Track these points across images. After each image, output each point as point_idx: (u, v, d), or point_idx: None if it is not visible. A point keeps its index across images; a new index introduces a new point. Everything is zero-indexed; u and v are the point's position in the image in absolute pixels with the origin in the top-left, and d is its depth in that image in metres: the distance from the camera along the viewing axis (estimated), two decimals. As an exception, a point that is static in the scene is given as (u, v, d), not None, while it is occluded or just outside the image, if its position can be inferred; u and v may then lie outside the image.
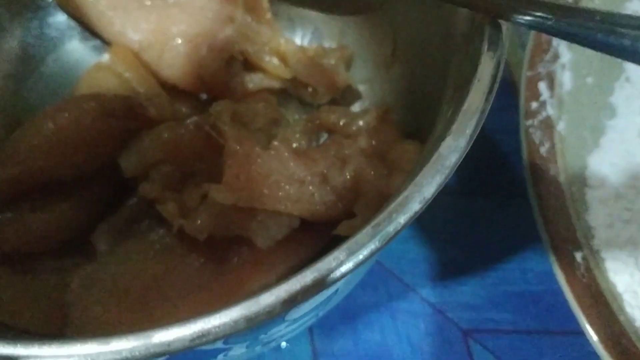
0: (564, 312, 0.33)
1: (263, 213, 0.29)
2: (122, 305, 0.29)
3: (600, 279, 0.31)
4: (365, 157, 0.30)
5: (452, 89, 0.27)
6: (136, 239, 0.31)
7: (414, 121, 0.33)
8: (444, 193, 0.38)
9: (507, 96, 0.42)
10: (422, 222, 0.38)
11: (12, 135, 0.30)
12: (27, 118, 0.32)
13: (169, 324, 0.18)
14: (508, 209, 0.39)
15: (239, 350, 0.25)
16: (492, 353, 0.34)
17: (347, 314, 0.35)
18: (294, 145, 0.32)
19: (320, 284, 0.19)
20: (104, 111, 0.30)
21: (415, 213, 0.20)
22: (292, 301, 0.19)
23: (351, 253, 0.19)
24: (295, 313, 0.24)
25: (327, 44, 0.39)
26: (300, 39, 0.39)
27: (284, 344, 0.33)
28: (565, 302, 0.31)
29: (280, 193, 0.28)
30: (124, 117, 0.31)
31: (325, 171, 0.29)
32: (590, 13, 0.21)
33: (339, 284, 0.25)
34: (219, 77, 0.34)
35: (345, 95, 0.38)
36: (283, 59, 0.36)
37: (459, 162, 0.21)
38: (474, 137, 0.21)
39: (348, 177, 0.29)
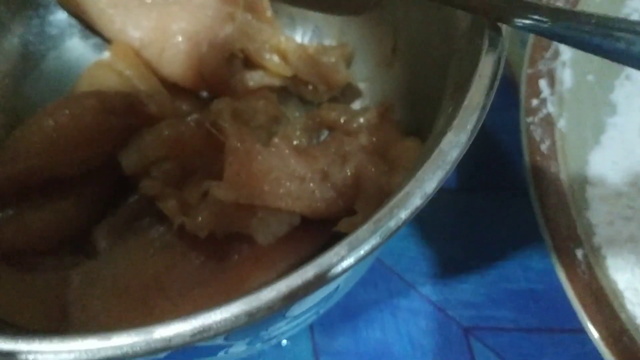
0: (565, 310, 0.33)
1: (264, 210, 0.29)
2: (123, 303, 0.29)
3: (601, 276, 0.31)
4: (365, 154, 0.30)
5: (453, 86, 0.27)
6: (137, 237, 0.31)
7: (415, 119, 0.33)
8: (445, 191, 0.39)
9: (508, 94, 0.42)
10: (423, 220, 0.38)
11: (12, 133, 0.30)
12: (28, 116, 0.32)
13: (169, 319, 0.18)
14: (509, 206, 0.39)
15: (239, 347, 0.25)
16: (492, 351, 0.34)
17: (347, 312, 0.35)
18: (295, 142, 0.32)
19: (321, 279, 0.19)
20: (104, 108, 0.30)
21: (417, 208, 0.20)
22: (293, 296, 0.19)
23: (352, 248, 0.19)
24: (296, 310, 0.24)
25: (328, 41, 0.39)
26: (300, 36, 0.39)
27: (284, 341, 0.33)
28: (566, 300, 0.31)
29: (281, 190, 0.28)
30: (124, 114, 0.31)
31: (325, 168, 0.29)
32: (586, 16, 0.21)
33: (339, 280, 0.25)
34: (220, 75, 0.34)
35: (345, 93, 0.38)
36: (283, 56, 0.36)
37: (460, 158, 0.21)
38: (475, 133, 0.21)
39: (349, 174, 0.29)
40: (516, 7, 0.23)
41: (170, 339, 0.18)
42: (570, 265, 0.31)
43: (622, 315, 0.30)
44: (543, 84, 0.36)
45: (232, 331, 0.18)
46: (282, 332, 0.27)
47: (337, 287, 0.26)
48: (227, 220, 0.29)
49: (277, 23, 0.37)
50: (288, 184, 0.29)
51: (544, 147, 0.34)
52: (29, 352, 0.18)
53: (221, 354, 0.25)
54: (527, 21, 0.22)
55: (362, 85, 0.38)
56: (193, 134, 0.31)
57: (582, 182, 0.34)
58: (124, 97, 0.31)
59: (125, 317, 0.28)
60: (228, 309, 0.18)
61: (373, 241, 0.19)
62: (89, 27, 0.38)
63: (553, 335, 0.35)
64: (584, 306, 0.30)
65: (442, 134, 0.21)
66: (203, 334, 0.18)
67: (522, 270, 0.36)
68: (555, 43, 0.37)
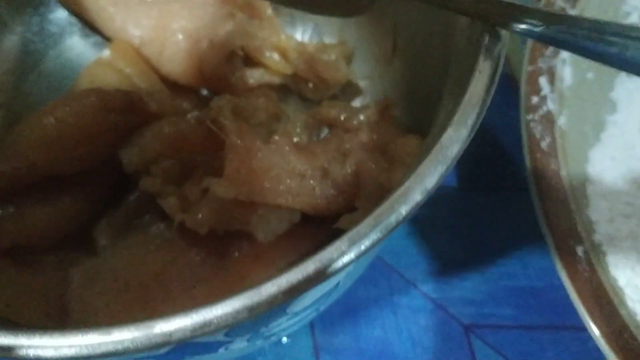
0: (565, 307, 0.33)
1: (264, 207, 0.29)
2: (123, 299, 0.29)
3: (601, 273, 0.31)
4: (366, 151, 0.30)
5: (453, 82, 0.27)
6: (137, 234, 0.31)
7: (415, 116, 0.33)
8: (445, 189, 0.39)
9: (508, 92, 0.42)
10: (423, 218, 0.38)
11: (12, 131, 0.30)
12: (28, 114, 0.32)
13: (170, 314, 0.18)
14: (509, 204, 0.39)
15: (240, 343, 0.25)
16: (493, 348, 0.34)
17: (348, 309, 0.35)
18: (295, 139, 0.32)
19: (322, 274, 0.19)
20: (104, 106, 0.30)
21: (417, 204, 0.20)
22: (294, 291, 0.19)
23: (353, 243, 0.19)
24: (296, 306, 0.24)
25: (328, 39, 0.39)
26: (300, 34, 0.39)
27: (285, 339, 0.33)
28: (566, 297, 0.31)
29: (281, 187, 0.28)
30: (124, 111, 0.31)
31: (326, 165, 0.29)
32: (578, 21, 0.21)
33: (340, 276, 0.25)
34: (220, 73, 0.34)
35: (345, 91, 0.38)
36: (284, 54, 0.36)
37: (461, 153, 0.21)
38: (476, 128, 0.21)
39: (349, 171, 0.29)
40: (511, 11, 0.23)
41: (171, 334, 0.18)
42: (570, 262, 0.31)
43: (623, 312, 0.30)
44: (543, 81, 0.36)
45: (233, 326, 0.18)
46: (283, 328, 0.27)
47: (338, 283, 0.26)
48: (227, 217, 0.29)
49: (276, 21, 0.37)
50: (288, 181, 0.29)
51: (544, 144, 0.34)
52: (29, 347, 0.18)
53: (221, 350, 0.25)
54: (523, 25, 0.22)
55: (362, 83, 0.38)
56: (193, 132, 0.31)
57: (583, 179, 0.34)
58: (124, 95, 0.31)
59: (125, 314, 0.28)
60: (229, 303, 0.18)
61: (374, 236, 0.19)
62: (89, 25, 0.38)
63: (553, 332, 0.34)
64: (585, 303, 0.30)
65: (443, 129, 0.21)
66: (204, 328, 0.18)
67: (523, 268, 0.36)
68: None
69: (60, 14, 0.38)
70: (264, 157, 0.29)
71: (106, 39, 0.37)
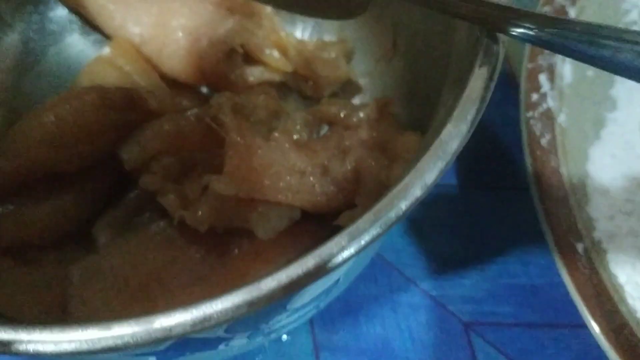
0: (565, 305, 0.33)
1: (264, 204, 0.29)
2: (123, 297, 0.29)
3: (601, 270, 0.31)
4: (365, 149, 0.30)
5: (453, 79, 0.27)
6: (137, 232, 0.31)
7: (415, 113, 0.33)
8: (445, 187, 0.39)
9: (507, 90, 0.42)
10: (423, 216, 0.38)
11: (12, 128, 0.30)
12: (28, 112, 0.32)
13: (170, 309, 0.18)
14: (509, 202, 0.39)
15: (240, 340, 0.25)
16: (493, 346, 0.34)
17: (348, 307, 0.35)
18: (295, 136, 0.32)
19: (321, 269, 0.19)
20: (104, 103, 0.30)
21: (417, 199, 0.20)
22: (294, 286, 0.19)
23: (353, 238, 0.19)
24: (296, 302, 0.24)
25: (328, 37, 0.39)
26: (300, 32, 0.39)
27: (285, 336, 0.33)
28: (566, 295, 0.31)
29: (281, 184, 0.28)
30: (124, 109, 0.31)
31: (326, 162, 0.29)
32: (571, 24, 0.21)
33: (340, 272, 0.25)
34: (220, 70, 0.34)
35: (345, 89, 0.38)
36: (283, 52, 0.36)
37: (461, 149, 0.21)
38: (475, 124, 0.21)
39: (349, 168, 0.29)
40: (505, 15, 0.23)
41: (171, 329, 0.18)
42: (570, 259, 0.31)
43: (623, 309, 0.30)
44: (543, 78, 0.36)
45: (232, 321, 0.18)
46: (283, 325, 0.27)
47: (338, 280, 0.26)
48: (227, 214, 0.29)
49: (276, 19, 0.37)
50: (288, 178, 0.29)
51: (544, 141, 0.34)
52: (29, 342, 0.18)
53: (221, 347, 0.25)
54: (519, 30, 0.22)
55: (362, 81, 0.38)
56: (193, 129, 0.31)
57: (583, 176, 0.34)
58: (124, 93, 0.31)
59: (125, 311, 0.28)
60: (229, 298, 0.18)
61: (373, 231, 0.19)
62: (89, 23, 0.38)
63: (554, 330, 0.34)
64: (585, 300, 0.30)
65: (442, 125, 0.21)
66: (204, 323, 0.18)
67: (523, 266, 0.36)
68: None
69: (60, 12, 0.38)
70: (264, 154, 0.29)
71: (106, 36, 0.37)
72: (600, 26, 0.20)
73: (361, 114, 0.32)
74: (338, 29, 0.39)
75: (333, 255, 0.19)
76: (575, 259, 0.31)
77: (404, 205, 0.20)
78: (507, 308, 0.35)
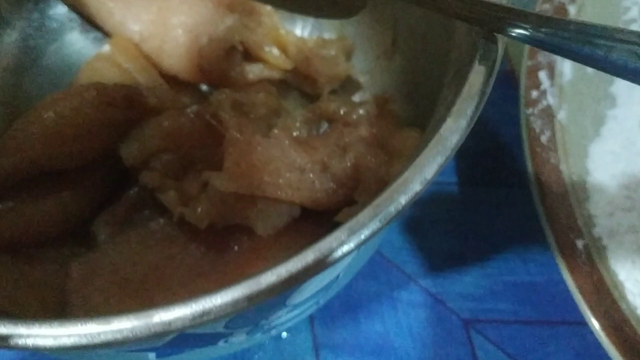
0: (566, 302, 0.33)
1: (263, 201, 0.29)
2: (122, 293, 0.28)
3: (601, 267, 0.31)
4: (365, 145, 0.30)
5: (452, 76, 0.27)
6: (137, 228, 0.31)
7: (415, 110, 0.33)
8: (445, 184, 0.39)
9: (507, 88, 0.42)
10: (423, 213, 0.38)
11: (12, 125, 0.30)
12: (28, 109, 0.32)
13: (170, 304, 0.18)
14: (509, 199, 0.39)
15: (240, 336, 0.25)
16: (493, 343, 0.34)
17: (348, 304, 0.35)
18: (295, 133, 0.32)
19: (321, 264, 0.19)
20: (104, 100, 0.30)
21: (416, 194, 0.20)
22: (293, 281, 0.19)
23: (352, 233, 0.19)
24: (296, 298, 0.24)
25: (328, 35, 0.39)
26: (300, 30, 0.39)
27: (284, 333, 0.33)
28: (566, 292, 0.31)
29: (281, 180, 0.28)
30: (124, 106, 0.31)
31: (325, 159, 0.29)
32: (565, 23, 0.21)
33: (340, 268, 0.25)
34: (219, 67, 0.34)
35: (345, 86, 0.38)
36: (283, 49, 0.36)
37: (460, 144, 0.21)
38: (475, 119, 0.21)
39: (348, 164, 0.29)
40: (500, 14, 0.23)
41: (170, 323, 0.18)
42: (570, 256, 0.31)
43: (623, 306, 0.30)
44: (543, 75, 0.36)
45: (232, 315, 0.18)
46: (282, 322, 0.27)
47: (338, 276, 0.26)
48: (227, 211, 0.29)
49: (276, 16, 0.37)
50: (288, 174, 0.29)
51: (543, 138, 0.34)
52: (28, 336, 0.17)
53: (221, 343, 0.25)
54: (517, 30, 0.22)
55: (362, 79, 0.38)
56: (193, 126, 0.31)
57: (582, 173, 0.34)
58: (123, 89, 0.31)
59: (125, 308, 0.28)
60: (228, 293, 0.18)
61: (373, 226, 0.19)
62: (88, 20, 0.38)
63: (554, 327, 0.34)
64: (585, 297, 0.30)
65: (442, 120, 0.21)
66: (203, 317, 0.18)
67: (523, 263, 0.36)
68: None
69: (60, 10, 0.38)
70: (264, 151, 0.29)
71: (106, 34, 0.37)
72: (593, 25, 0.20)
73: (361, 111, 0.32)
74: (338, 27, 0.39)
75: (333, 250, 0.19)
76: (575, 255, 0.31)
77: (403, 199, 0.20)
78: (507, 305, 0.35)
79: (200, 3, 0.35)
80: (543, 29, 0.21)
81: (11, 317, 0.26)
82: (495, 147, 0.41)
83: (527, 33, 0.22)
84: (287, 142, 0.29)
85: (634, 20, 0.38)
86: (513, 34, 0.23)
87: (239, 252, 0.30)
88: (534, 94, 0.35)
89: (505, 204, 0.38)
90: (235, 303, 0.18)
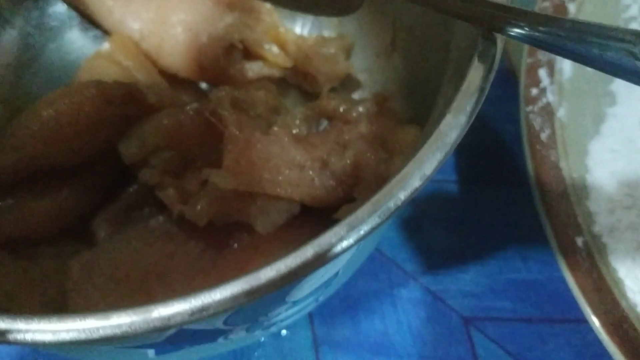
0: (565, 300, 0.33)
1: (263, 198, 0.29)
2: (122, 291, 0.28)
3: (601, 264, 0.31)
4: (365, 143, 0.30)
5: (452, 73, 0.27)
6: (136, 226, 0.31)
7: (414, 108, 0.33)
8: (445, 182, 0.39)
9: (507, 85, 0.42)
10: (423, 211, 0.38)
11: (12, 122, 0.30)
12: (27, 107, 0.32)
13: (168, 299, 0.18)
14: (509, 196, 0.39)
15: (239, 333, 0.25)
16: (493, 341, 0.34)
17: (347, 302, 0.35)
18: (294, 131, 0.32)
19: (320, 259, 0.19)
20: (103, 98, 0.30)
21: (416, 189, 0.20)
22: (293, 276, 0.19)
23: (352, 228, 0.19)
24: (295, 294, 0.24)
25: (327, 33, 0.39)
26: (300, 28, 0.39)
27: (284, 331, 0.33)
28: (566, 290, 0.31)
29: (280, 177, 0.28)
30: (123, 103, 0.31)
31: (325, 156, 0.29)
32: (560, 22, 0.21)
33: (339, 264, 0.25)
34: (219, 65, 0.34)
35: (345, 84, 0.38)
36: (283, 47, 0.36)
37: (459, 140, 0.21)
38: (474, 115, 0.21)
39: (348, 162, 0.29)
40: (498, 14, 0.23)
41: (169, 318, 0.18)
42: (570, 253, 0.31)
43: (623, 303, 0.30)
44: (542, 73, 0.36)
45: (231, 310, 0.18)
46: (282, 318, 0.27)
47: (337, 273, 0.26)
48: (227, 208, 0.29)
49: (276, 14, 0.37)
50: (287, 171, 0.29)
51: (543, 136, 0.34)
52: (27, 331, 0.17)
53: (221, 340, 0.25)
54: (514, 29, 0.22)
55: (361, 77, 0.38)
56: (192, 123, 0.31)
57: (582, 171, 0.34)
58: (123, 87, 0.31)
59: (124, 305, 0.28)
60: (227, 288, 0.18)
61: (372, 222, 0.19)
62: (88, 19, 0.38)
63: (553, 325, 0.34)
64: (585, 294, 0.30)
65: (441, 116, 0.21)
66: (202, 313, 0.18)
67: (523, 261, 0.36)
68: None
69: (60, 8, 0.38)
70: (263, 148, 0.29)
71: (105, 32, 0.37)
72: (588, 24, 0.20)
73: (360, 109, 0.32)
74: (337, 25, 0.39)
75: (332, 245, 0.19)
76: (575, 253, 0.31)
77: (402, 195, 0.20)
78: (507, 303, 0.35)
79: (200, 1, 0.35)
80: (540, 28, 0.21)
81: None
82: (495, 145, 0.41)
83: (524, 32, 0.22)
84: (286, 139, 0.29)
85: (633, 18, 0.38)
86: (511, 34, 0.23)
87: (238, 250, 0.30)
88: (534, 91, 0.35)
89: (505, 201, 0.38)
90: (234, 298, 0.18)
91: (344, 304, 0.34)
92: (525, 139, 0.34)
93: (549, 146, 0.34)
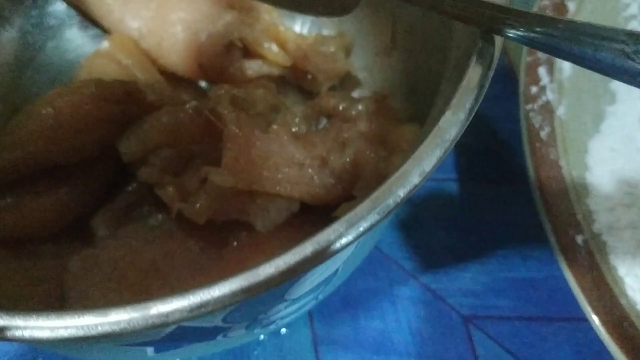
0: (565, 298, 0.33)
1: (262, 196, 0.29)
2: (121, 289, 0.28)
3: (601, 262, 0.31)
4: (364, 141, 0.30)
5: (451, 71, 0.27)
6: (135, 224, 0.31)
7: (414, 106, 0.33)
8: (445, 180, 0.39)
9: (507, 83, 0.42)
10: (423, 209, 0.38)
11: (11, 121, 0.30)
12: (27, 106, 0.32)
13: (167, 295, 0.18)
14: (508, 195, 0.38)
15: (238, 331, 0.25)
16: (492, 339, 0.34)
17: (347, 301, 0.35)
18: (294, 129, 0.32)
19: (319, 256, 0.19)
20: (103, 96, 0.30)
21: (415, 186, 0.20)
22: (291, 273, 0.18)
23: (351, 225, 0.19)
24: (294, 292, 0.24)
25: (327, 31, 0.39)
26: (299, 26, 0.39)
27: (283, 330, 0.33)
28: (566, 289, 0.31)
29: (280, 175, 0.28)
30: (123, 102, 0.31)
31: (324, 154, 0.29)
32: (555, 22, 0.21)
33: (339, 262, 0.25)
34: (218, 64, 0.34)
35: (344, 83, 0.38)
36: (282, 46, 0.36)
37: (459, 137, 0.21)
38: (474, 112, 0.21)
39: (347, 160, 0.29)
40: (496, 15, 0.23)
41: (167, 315, 0.18)
42: (570, 251, 0.31)
43: (623, 301, 0.30)
44: (542, 71, 0.36)
45: (230, 307, 0.18)
46: (281, 316, 0.27)
47: (337, 270, 0.26)
48: (226, 206, 0.29)
49: (275, 13, 0.37)
50: (287, 169, 0.29)
51: (543, 134, 0.34)
52: (25, 328, 0.17)
53: (220, 337, 0.25)
54: (512, 30, 0.22)
55: (361, 75, 0.38)
56: (191, 121, 0.31)
57: (582, 169, 0.34)
58: (122, 85, 0.31)
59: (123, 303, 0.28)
60: (226, 285, 0.18)
61: (371, 218, 0.19)
62: (87, 17, 0.38)
63: (553, 323, 0.34)
64: (585, 292, 0.30)
65: (441, 113, 0.21)
66: (201, 309, 0.18)
67: (522, 259, 0.36)
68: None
69: (59, 7, 0.38)
70: (263, 146, 0.29)
71: (105, 31, 0.37)
72: (582, 24, 0.20)
73: (360, 107, 0.32)
74: (337, 23, 0.39)
75: (331, 242, 0.19)
76: (575, 251, 0.31)
77: (401, 192, 0.20)
78: (507, 301, 0.35)
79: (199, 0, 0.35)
80: (536, 29, 0.21)
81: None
82: (494, 143, 0.41)
83: (520, 33, 0.22)
84: (286, 137, 0.29)
85: (633, 17, 0.38)
86: (509, 35, 0.22)
87: (237, 248, 0.30)
88: (534, 89, 0.35)
89: (504, 200, 0.38)
90: (233, 295, 0.18)
91: (344, 302, 0.34)
92: (525, 137, 0.34)
93: (549, 144, 0.34)
